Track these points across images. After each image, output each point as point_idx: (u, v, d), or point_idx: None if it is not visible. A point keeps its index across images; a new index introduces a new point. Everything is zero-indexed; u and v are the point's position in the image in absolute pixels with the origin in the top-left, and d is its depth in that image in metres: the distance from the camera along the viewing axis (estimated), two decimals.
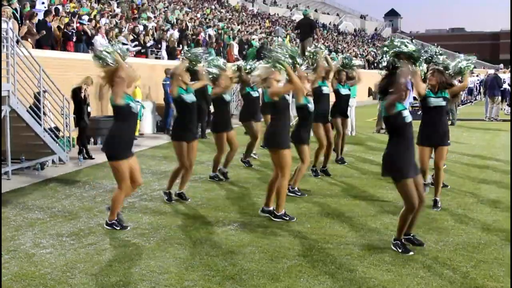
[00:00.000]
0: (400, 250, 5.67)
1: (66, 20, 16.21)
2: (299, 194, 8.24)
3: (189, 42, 21.81)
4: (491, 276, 5.08)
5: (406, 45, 5.97)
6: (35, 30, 13.71)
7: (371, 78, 37.54)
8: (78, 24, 16.13)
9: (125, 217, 6.91)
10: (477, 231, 6.48)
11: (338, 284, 4.91)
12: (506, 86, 23.36)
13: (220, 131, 9.29)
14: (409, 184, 5.52)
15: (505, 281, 4.95)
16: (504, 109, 23.80)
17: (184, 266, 5.33)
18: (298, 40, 26.21)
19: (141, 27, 20.21)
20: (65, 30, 15.28)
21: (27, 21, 13.66)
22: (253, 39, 28.53)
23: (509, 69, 27.94)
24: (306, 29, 19.49)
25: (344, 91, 10.50)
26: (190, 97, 7.82)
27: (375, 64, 41.98)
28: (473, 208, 7.56)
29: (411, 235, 5.89)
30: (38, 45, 13.75)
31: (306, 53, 9.87)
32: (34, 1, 16.42)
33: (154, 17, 24.02)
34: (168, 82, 16.04)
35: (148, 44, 19.52)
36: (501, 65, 41.02)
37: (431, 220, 6.90)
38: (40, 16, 14.69)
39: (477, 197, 8.25)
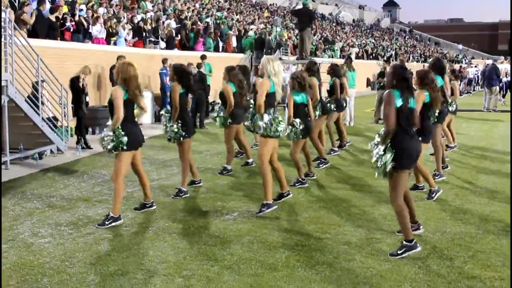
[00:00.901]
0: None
1: (65, 8, 16.09)
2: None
3: (187, 32, 21.72)
4: (488, 266, 5.10)
5: None
6: (28, 18, 13.58)
7: (370, 68, 37.48)
8: (73, 17, 15.98)
9: (123, 207, 6.92)
10: (474, 222, 6.50)
11: (336, 273, 4.92)
12: (501, 77, 23.36)
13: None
14: None
15: (502, 271, 4.97)
16: (501, 100, 23.79)
17: (183, 256, 5.35)
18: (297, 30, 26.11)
19: (139, 17, 20.10)
20: (63, 26, 15.20)
21: (20, 11, 13.54)
22: (251, 29, 28.40)
23: (507, 60, 27.87)
24: (305, 19, 19.42)
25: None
26: None
27: (373, 55, 41.92)
28: (471, 199, 7.58)
29: None
30: (33, 33, 13.62)
31: None
32: None
33: (152, 7, 23.89)
34: (165, 71, 16.04)
35: (149, 35, 19.44)
36: (502, 57, 40.96)
37: (429, 211, 6.93)
38: (34, 5, 14.57)
39: (475, 187, 8.28)
